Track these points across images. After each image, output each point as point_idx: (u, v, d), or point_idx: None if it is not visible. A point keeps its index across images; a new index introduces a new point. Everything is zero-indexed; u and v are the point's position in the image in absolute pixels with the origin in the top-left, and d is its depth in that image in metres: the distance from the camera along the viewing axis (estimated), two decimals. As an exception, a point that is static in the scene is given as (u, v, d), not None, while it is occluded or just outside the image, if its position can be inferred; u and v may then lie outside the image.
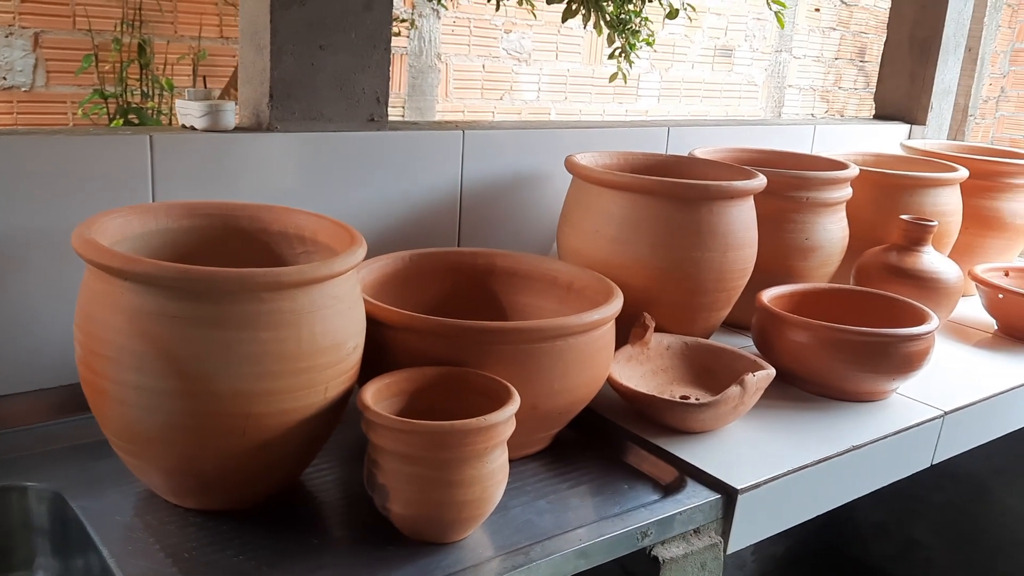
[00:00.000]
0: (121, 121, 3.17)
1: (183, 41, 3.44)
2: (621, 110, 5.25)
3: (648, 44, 3.92)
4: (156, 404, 0.80)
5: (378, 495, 0.85)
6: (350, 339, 0.88)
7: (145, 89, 3.32)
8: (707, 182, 1.20)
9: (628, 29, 3.83)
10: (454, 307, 1.21)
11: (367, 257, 1.14)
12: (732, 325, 1.45)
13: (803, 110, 6.18)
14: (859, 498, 1.18)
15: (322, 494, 0.97)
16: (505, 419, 0.85)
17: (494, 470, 0.85)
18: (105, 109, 3.21)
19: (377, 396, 0.90)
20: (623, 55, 3.96)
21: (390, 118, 1.28)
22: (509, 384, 0.90)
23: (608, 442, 1.12)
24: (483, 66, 4.65)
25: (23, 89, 3.20)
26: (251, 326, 0.79)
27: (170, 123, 3.22)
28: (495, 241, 1.42)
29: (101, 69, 3.26)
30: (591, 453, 1.10)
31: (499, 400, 0.89)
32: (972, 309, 1.68)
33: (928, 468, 1.27)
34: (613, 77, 4.03)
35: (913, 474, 1.25)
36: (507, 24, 4.61)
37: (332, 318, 0.85)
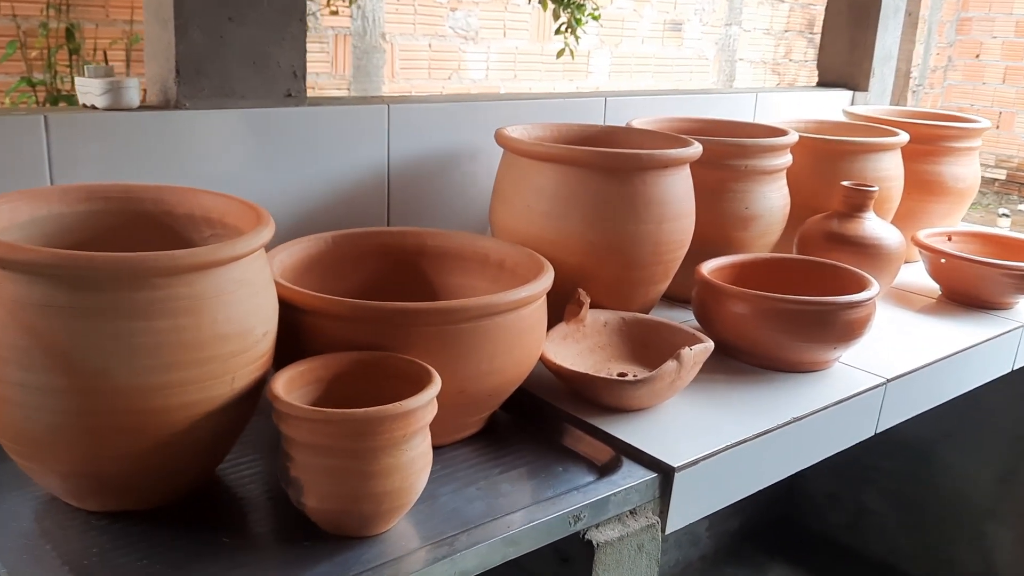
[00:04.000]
0: (50, 109, 3.05)
1: (115, 25, 3.32)
2: (572, 87, 5.20)
3: (594, 19, 3.88)
4: (45, 403, 0.74)
5: (292, 489, 0.81)
6: (258, 325, 0.83)
7: (76, 76, 3.20)
8: (639, 151, 1.16)
9: (573, 3, 3.79)
10: (383, 290, 1.16)
11: (288, 240, 1.10)
12: (673, 299, 1.42)
13: (755, 83, 6.19)
14: (811, 469, 1.16)
15: (241, 489, 0.93)
16: (423, 404, 0.80)
17: (414, 458, 0.81)
18: (34, 97, 3.09)
19: (290, 385, 0.85)
20: (569, 30, 3.92)
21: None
22: (429, 367, 0.86)
23: (544, 424, 1.08)
24: (429, 45, 4.57)
25: (-53, 77, 3.08)
26: (144, 315, 0.74)
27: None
28: (428, 221, 1.37)
29: (28, 56, 3.14)
30: (526, 436, 1.06)
31: (421, 384, 0.84)
32: (917, 275, 1.67)
33: (876, 436, 1.25)
34: (560, 53, 3.99)
35: (862, 443, 1.23)
36: (452, 1, 4.54)
37: (237, 303, 0.80)
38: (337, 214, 1.27)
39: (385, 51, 4.40)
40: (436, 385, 0.83)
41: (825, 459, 1.17)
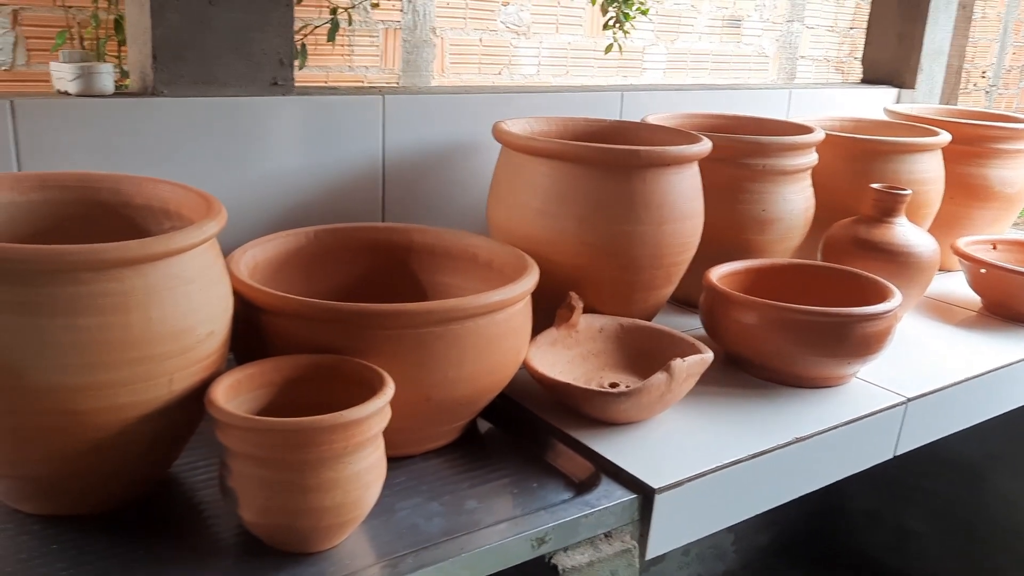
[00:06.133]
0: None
1: (163, 16, 3.34)
2: (625, 84, 5.10)
3: (642, 12, 3.79)
4: (-36, 402, 0.71)
5: (228, 500, 0.76)
6: (202, 324, 0.78)
7: (125, 67, 3.23)
8: (637, 147, 1.08)
9: (621, -3, 3.70)
10: (369, 289, 1.11)
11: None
12: (686, 304, 1.34)
13: (816, 82, 5.99)
14: (850, 485, 1.07)
15: (195, 495, 0.88)
16: (369, 414, 0.75)
17: (360, 472, 0.76)
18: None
19: (237, 389, 0.80)
20: (617, 25, 3.84)
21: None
22: (384, 372, 0.81)
23: (526, 435, 1.02)
24: (480, 40, 4.52)
25: (3, 68, 3.12)
26: (69, 311, 0.70)
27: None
28: (427, 218, 1.31)
29: (79, 47, 3.18)
30: (506, 448, 1.00)
31: (375, 391, 0.79)
32: (958, 285, 1.56)
33: (920, 453, 1.15)
34: (608, 48, 3.91)
35: (904, 460, 1.13)
36: (504, -4, 4.48)
37: (175, 301, 0.75)
38: (329, 210, 1.22)
39: (435, 45, 4.36)
40: (386, 394, 0.77)
41: (866, 475, 1.08)
